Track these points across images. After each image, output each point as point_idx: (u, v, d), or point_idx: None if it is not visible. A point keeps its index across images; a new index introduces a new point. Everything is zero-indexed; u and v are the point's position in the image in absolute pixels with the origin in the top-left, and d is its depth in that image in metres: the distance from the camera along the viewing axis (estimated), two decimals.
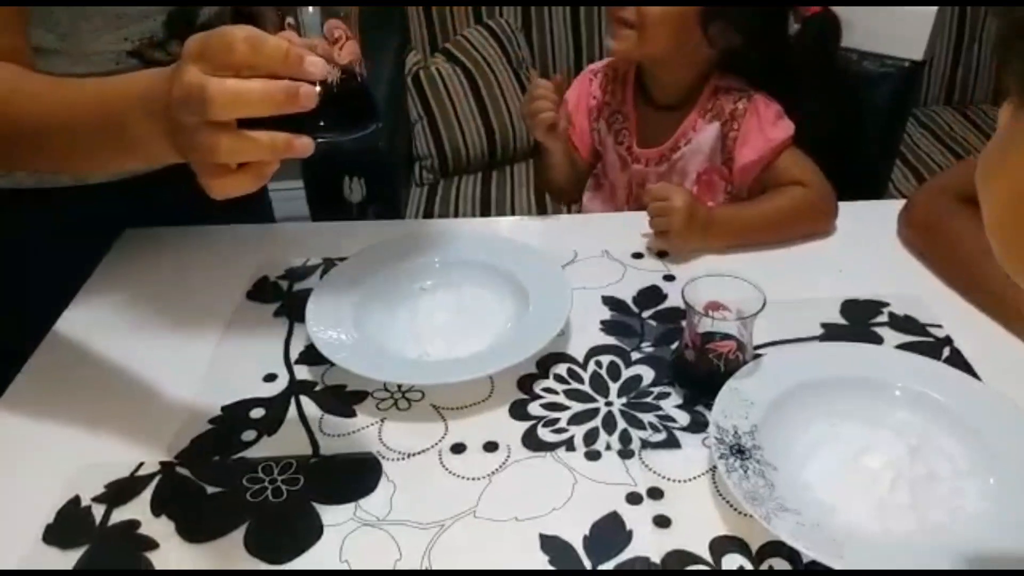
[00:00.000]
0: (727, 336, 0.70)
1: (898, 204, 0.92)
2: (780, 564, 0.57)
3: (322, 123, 0.54)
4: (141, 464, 0.67)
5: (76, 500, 0.64)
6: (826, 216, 0.92)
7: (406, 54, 1.92)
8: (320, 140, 0.54)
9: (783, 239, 0.90)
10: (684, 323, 0.72)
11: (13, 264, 0.89)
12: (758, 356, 0.71)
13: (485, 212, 1.72)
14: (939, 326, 0.77)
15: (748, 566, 0.57)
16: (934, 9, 1.00)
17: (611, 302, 0.83)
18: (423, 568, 0.58)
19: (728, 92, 0.98)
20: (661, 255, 0.89)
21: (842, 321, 0.79)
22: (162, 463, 0.67)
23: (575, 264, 0.89)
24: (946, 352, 0.74)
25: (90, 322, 0.84)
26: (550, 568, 0.58)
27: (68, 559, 0.60)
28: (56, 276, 0.88)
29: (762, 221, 0.91)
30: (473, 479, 0.65)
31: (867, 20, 1.06)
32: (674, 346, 0.76)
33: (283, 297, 0.86)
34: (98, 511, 0.63)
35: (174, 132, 0.52)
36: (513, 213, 1.71)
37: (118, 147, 0.60)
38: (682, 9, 0.93)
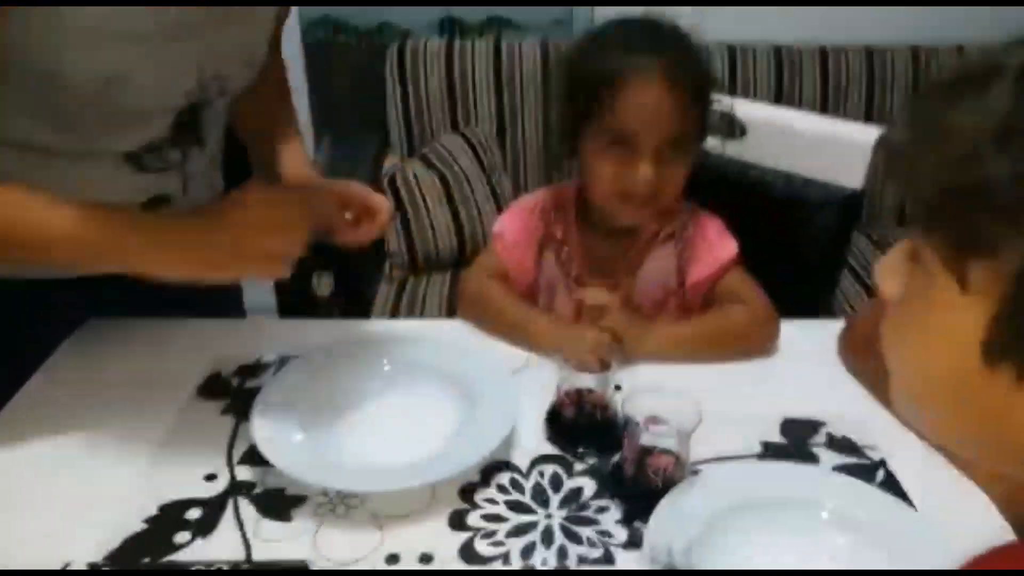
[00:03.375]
0: (665, 451, 0.71)
1: (840, 324, 0.96)
2: None
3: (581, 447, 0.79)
4: (68, 564, 0.66)
5: None
6: (765, 337, 0.94)
7: (384, 156, 1.99)
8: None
9: (721, 356, 0.92)
10: (625, 435, 0.73)
11: None
12: (696, 472, 0.72)
13: (451, 309, 1.73)
14: (874, 448, 0.79)
15: None
16: (871, 142, 1.06)
17: None
18: None
19: (675, 213, 1.00)
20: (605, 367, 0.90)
21: (781, 440, 0.81)
22: (89, 564, 0.66)
23: (526, 370, 0.90)
24: (880, 475, 0.76)
25: (37, 409, 0.83)
26: None
27: None
28: (19, 360, 0.88)
29: (699, 336, 0.93)
30: None
31: (811, 149, 1.13)
32: (615, 459, 0.76)
33: (232, 394, 0.86)
34: None
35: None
36: None
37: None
38: (689, 166, 0.93)
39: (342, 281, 1.67)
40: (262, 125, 1.03)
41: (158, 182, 0.87)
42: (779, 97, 1.95)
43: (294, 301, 1.66)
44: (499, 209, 1.90)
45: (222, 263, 0.74)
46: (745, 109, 1.17)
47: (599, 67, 0.91)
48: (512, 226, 1.05)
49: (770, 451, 0.79)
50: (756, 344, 0.94)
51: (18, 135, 0.77)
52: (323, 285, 1.66)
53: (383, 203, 0.96)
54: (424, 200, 1.85)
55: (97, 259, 0.74)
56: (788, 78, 1.96)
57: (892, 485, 0.74)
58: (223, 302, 1.11)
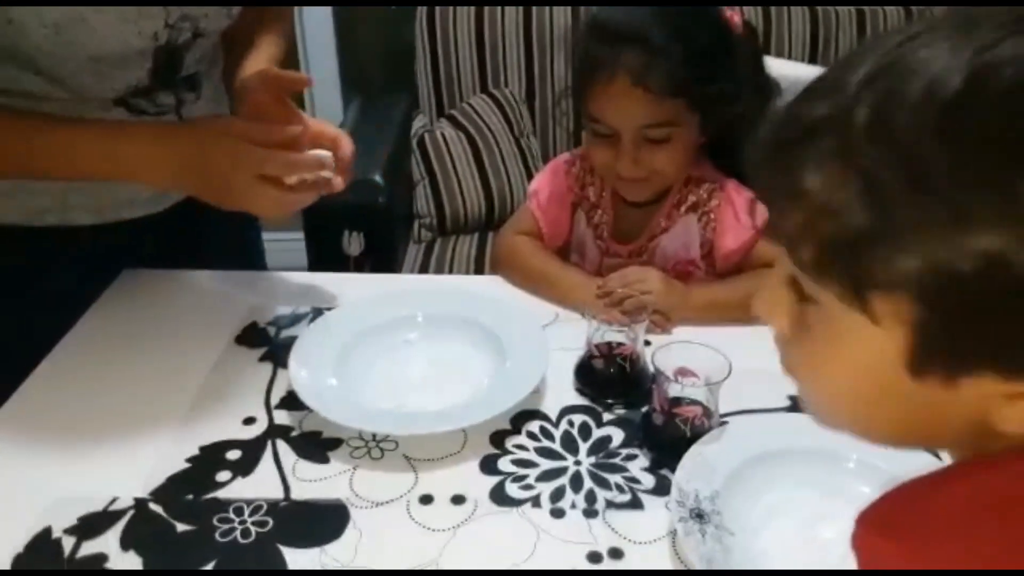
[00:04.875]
0: (694, 402, 0.72)
1: None
2: None
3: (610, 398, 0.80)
4: (115, 499, 0.69)
5: (48, 531, 0.66)
6: None
7: (413, 117, 1.99)
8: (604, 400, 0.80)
9: (756, 319, 0.92)
10: (654, 387, 0.74)
11: (19, 293, 0.91)
12: (724, 423, 0.73)
13: (479, 270, 1.75)
14: None
15: None
16: None
17: None
18: None
19: (699, 183, 1.00)
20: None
21: None
22: (136, 499, 0.69)
23: (555, 324, 0.92)
24: None
25: (81, 357, 0.86)
26: None
27: None
28: (54, 310, 0.91)
29: (741, 298, 0.93)
30: (438, 531, 0.66)
31: None
32: (644, 409, 0.78)
33: (270, 343, 0.88)
34: (68, 543, 0.65)
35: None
36: None
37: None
38: (687, 141, 0.94)
39: (372, 241, 1.68)
40: (240, 35, 0.96)
41: None
42: (814, 58, 1.92)
43: (325, 259, 1.68)
44: (528, 171, 1.90)
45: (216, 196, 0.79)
46: (779, 68, 1.15)
47: (582, 55, 0.94)
48: (548, 184, 1.06)
49: (798, 405, 0.79)
50: None
51: (5, 83, 0.78)
52: (353, 244, 1.68)
53: (339, 135, 0.86)
54: (452, 161, 1.85)
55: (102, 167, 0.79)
56: (824, 38, 1.92)
57: None
58: (247, 255, 1.13)
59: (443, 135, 1.87)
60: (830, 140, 0.37)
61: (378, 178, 1.68)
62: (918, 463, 0.69)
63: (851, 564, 0.61)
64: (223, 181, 0.77)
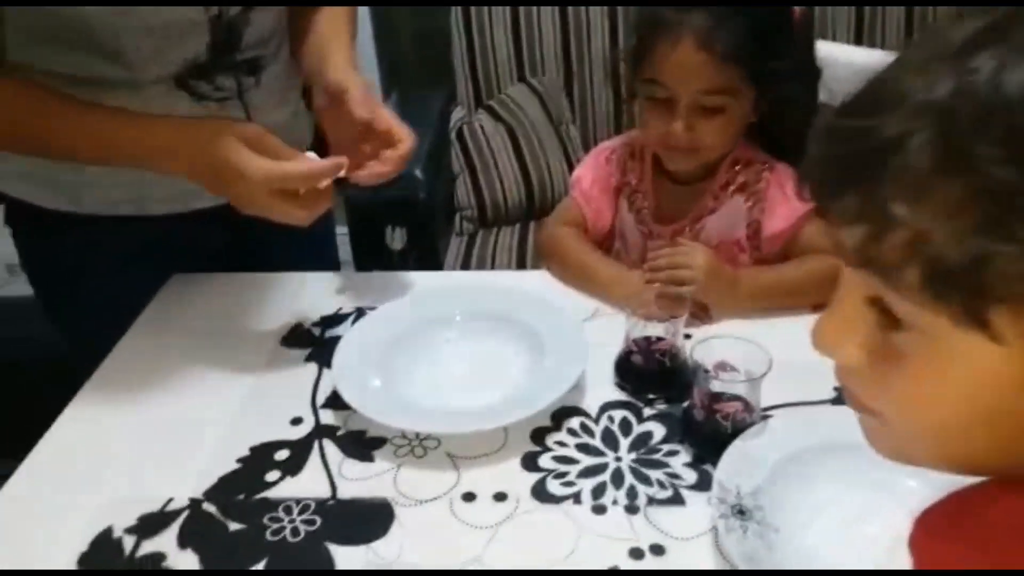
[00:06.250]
0: (735, 397, 0.72)
1: None
2: None
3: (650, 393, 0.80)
4: (171, 499, 0.71)
5: (109, 531, 0.69)
6: None
7: (451, 109, 2.00)
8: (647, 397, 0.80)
9: (810, 304, 0.91)
10: (694, 381, 0.74)
11: (73, 287, 0.95)
12: (767, 417, 0.73)
13: (521, 261, 1.75)
14: None
15: None
16: None
17: None
18: None
19: (749, 164, 0.99)
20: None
21: None
22: (191, 499, 0.71)
23: (594, 319, 0.92)
24: None
25: (134, 363, 0.89)
26: None
27: None
28: (114, 301, 0.95)
29: (791, 284, 0.91)
30: (481, 528, 0.67)
31: None
32: (685, 404, 0.77)
33: (315, 344, 0.90)
34: (128, 542, 0.68)
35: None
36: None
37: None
38: (740, 115, 0.93)
39: (414, 235, 1.70)
40: (309, 24, 0.96)
41: (219, 113, 0.89)
42: (860, 39, 1.86)
43: (369, 254, 1.71)
44: (568, 160, 1.89)
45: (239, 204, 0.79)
46: (826, 50, 1.12)
47: (648, 17, 0.94)
48: (589, 172, 1.06)
49: (842, 397, 0.78)
50: None
51: (70, 68, 0.81)
52: (396, 239, 1.70)
53: (406, 135, 0.85)
54: (492, 152, 1.85)
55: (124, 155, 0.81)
56: (869, 18, 1.87)
57: None
58: (320, 252, 1.15)
59: (481, 126, 1.87)
60: (922, 158, 0.34)
61: (418, 173, 1.69)
62: None
63: (898, 561, 0.60)
64: (235, 190, 0.77)
